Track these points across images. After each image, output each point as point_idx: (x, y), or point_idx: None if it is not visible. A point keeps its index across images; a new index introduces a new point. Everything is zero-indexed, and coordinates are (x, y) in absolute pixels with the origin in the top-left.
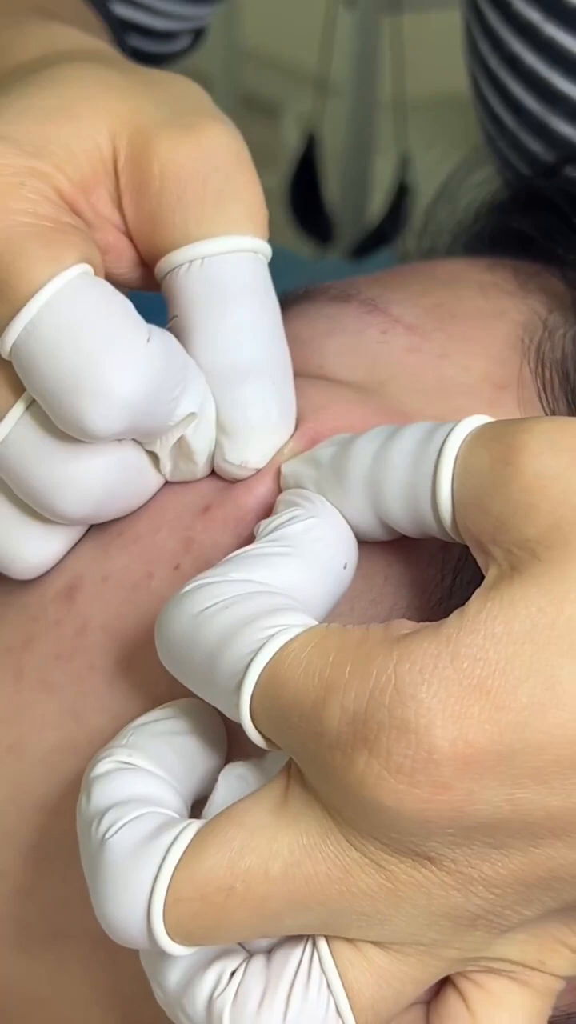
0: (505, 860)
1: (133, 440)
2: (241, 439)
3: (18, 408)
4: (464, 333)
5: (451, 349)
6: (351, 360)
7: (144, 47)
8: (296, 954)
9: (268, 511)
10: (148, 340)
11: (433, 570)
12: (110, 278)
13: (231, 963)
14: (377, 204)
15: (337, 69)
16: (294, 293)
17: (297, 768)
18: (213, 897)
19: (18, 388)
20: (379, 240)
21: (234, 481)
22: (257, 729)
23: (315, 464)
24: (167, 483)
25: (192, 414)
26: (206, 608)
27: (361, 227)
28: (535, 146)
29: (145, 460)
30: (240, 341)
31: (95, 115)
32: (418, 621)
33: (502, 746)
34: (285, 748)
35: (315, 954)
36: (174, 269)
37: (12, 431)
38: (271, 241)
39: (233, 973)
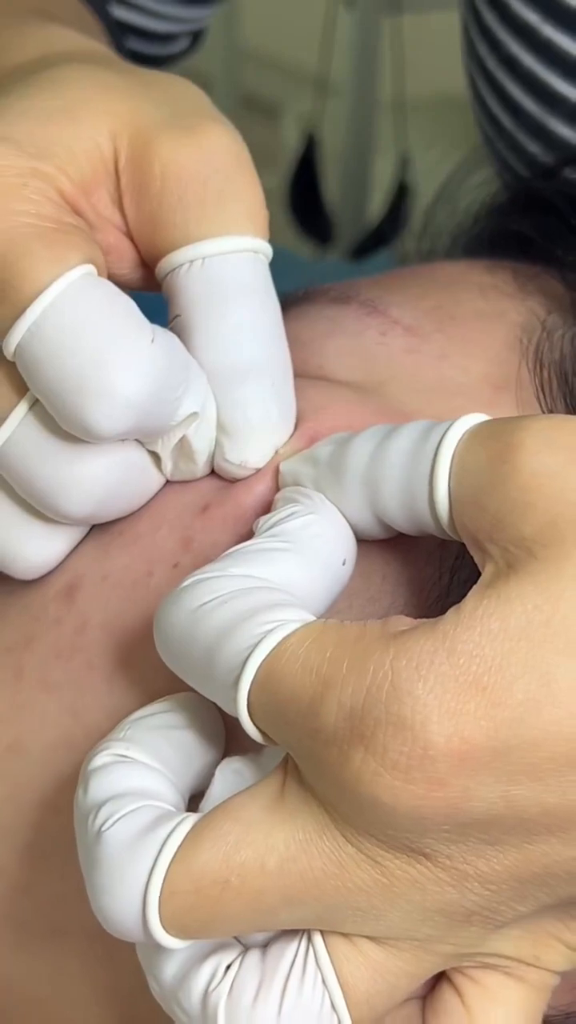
0: (500, 856)
1: (135, 440)
2: (241, 439)
3: (21, 408)
4: (463, 334)
5: (450, 350)
6: (350, 361)
7: (142, 49)
8: (291, 948)
9: (267, 509)
10: (152, 340)
11: (431, 568)
12: (111, 279)
13: (227, 957)
14: (377, 204)
15: (337, 69)
16: (294, 295)
17: (294, 763)
18: (208, 890)
19: (21, 388)
20: (379, 241)
21: (234, 481)
22: (254, 724)
23: (313, 462)
24: (167, 482)
25: (194, 414)
26: (204, 603)
27: (361, 227)
28: (533, 147)
29: (147, 460)
30: (240, 341)
31: (96, 116)
32: (416, 619)
33: (497, 742)
34: (282, 743)
35: (310, 948)
36: (175, 269)
37: (15, 431)
38: (271, 242)
39: (229, 967)
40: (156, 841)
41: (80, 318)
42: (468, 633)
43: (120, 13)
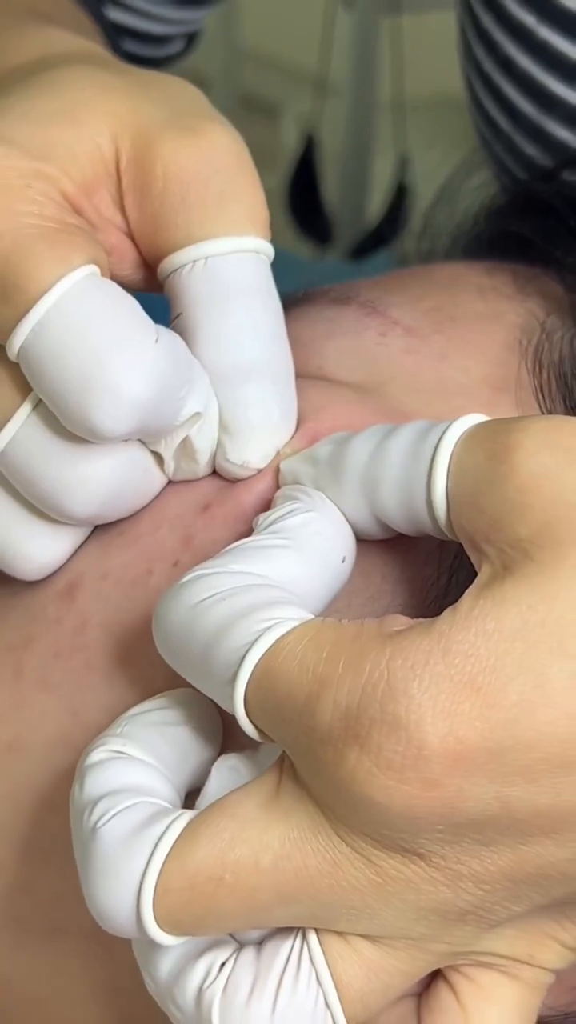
0: (494, 857)
1: (138, 440)
2: (242, 439)
3: (24, 409)
4: (463, 336)
5: (450, 351)
6: (350, 361)
7: (138, 51)
8: (286, 946)
9: (267, 508)
10: (156, 340)
11: (430, 568)
12: (113, 280)
13: (221, 954)
14: (376, 205)
15: (336, 70)
16: (293, 296)
17: (290, 761)
18: (203, 887)
19: (24, 389)
20: (378, 241)
21: (235, 481)
22: (251, 721)
23: (312, 462)
24: (169, 482)
25: (197, 414)
26: (204, 599)
27: (360, 228)
28: (531, 150)
29: (150, 460)
30: (242, 341)
31: (97, 117)
32: (413, 618)
33: (492, 743)
34: (278, 741)
35: (305, 946)
36: (177, 270)
37: (19, 432)
38: (270, 242)
39: (223, 964)
40: (151, 838)
41: (84, 318)
42: (463, 633)
43: (115, 15)
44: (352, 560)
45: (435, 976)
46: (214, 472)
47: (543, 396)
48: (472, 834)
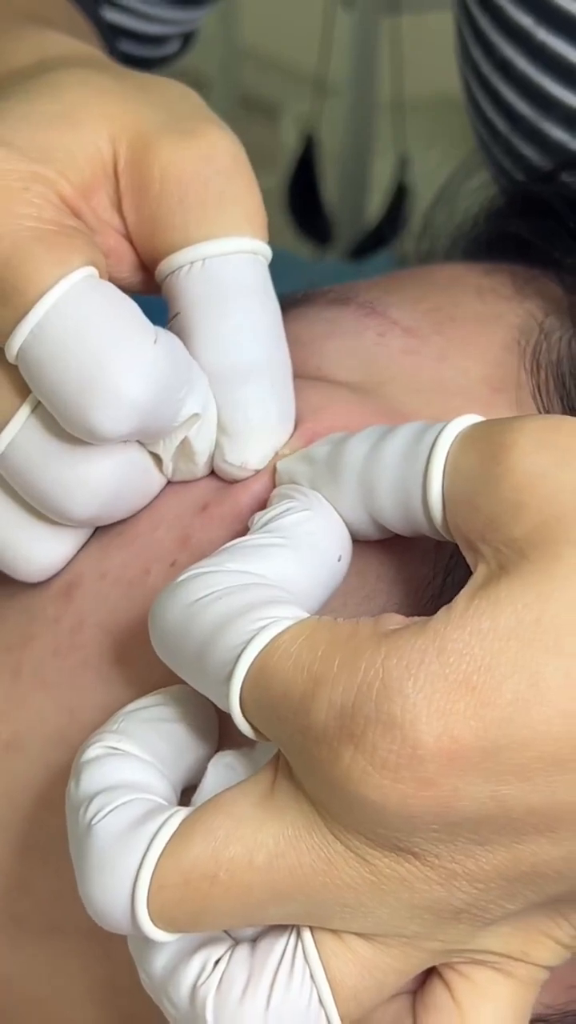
0: (488, 856)
1: (137, 441)
2: (241, 440)
3: (23, 411)
4: (461, 336)
5: (448, 352)
6: (349, 361)
7: (134, 52)
8: (280, 944)
9: (263, 508)
10: (155, 341)
11: (426, 568)
12: (111, 282)
13: (216, 951)
14: (376, 205)
15: (336, 70)
16: (292, 296)
17: (285, 759)
18: (197, 884)
19: (23, 391)
20: (378, 241)
21: (233, 481)
22: (246, 720)
23: (309, 462)
24: (168, 483)
25: (196, 415)
26: (200, 598)
27: (360, 228)
28: (528, 151)
29: (149, 461)
30: (240, 342)
31: (95, 120)
32: (408, 617)
33: (487, 742)
34: (273, 739)
35: (299, 944)
36: (175, 271)
37: (18, 435)
38: (270, 243)
39: (218, 961)
40: (146, 834)
41: (83, 320)
42: (458, 632)
43: (111, 16)
44: (348, 559)
45: (430, 973)
46: (212, 473)
47: (540, 397)
48: (467, 833)
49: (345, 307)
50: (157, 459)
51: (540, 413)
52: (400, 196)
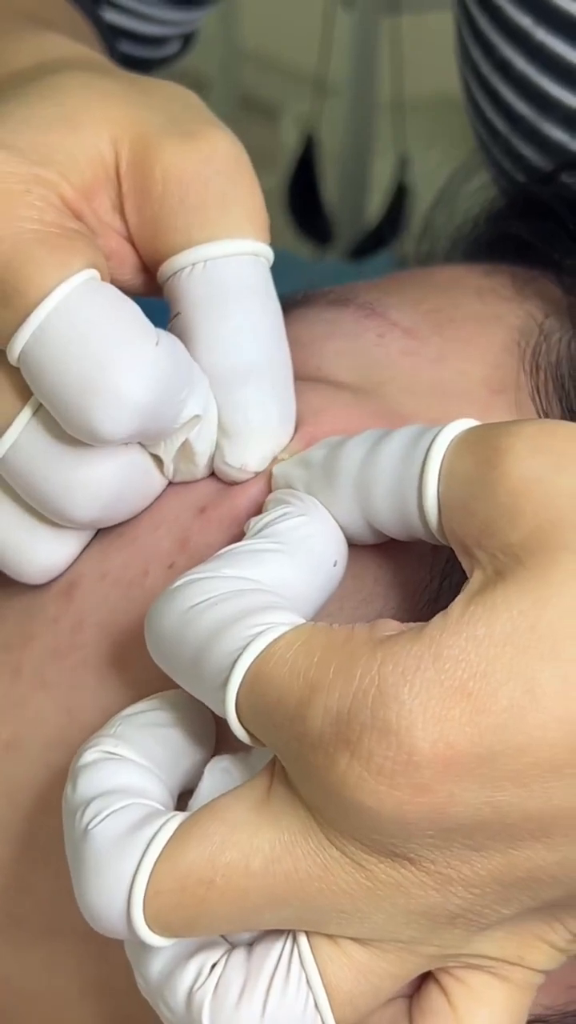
0: (484, 861)
1: (138, 443)
2: (241, 441)
3: (25, 414)
4: (461, 337)
5: (448, 353)
6: (349, 362)
7: (134, 53)
8: (276, 948)
9: (261, 511)
10: (156, 343)
11: (422, 572)
12: (113, 284)
13: (212, 956)
14: (376, 205)
15: (336, 70)
16: (292, 297)
17: (281, 765)
18: (193, 890)
19: (24, 394)
20: (378, 241)
21: (232, 483)
22: (242, 726)
23: (305, 465)
24: (169, 484)
25: (197, 416)
26: (196, 604)
27: (360, 228)
28: (528, 152)
29: (150, 463)
30: (241, 343)
31: (96, 123)
32: (405, 622)
33: (482, 748)
34: (269, 745)
35: (295, 949)
36: (176, 272)
37: (20, 437)
38: (270, 243)
39: (214, 966)
40: (143, 839)
41: (84, 322)
42: (454, 639)
43: (111, 17)
44: (344, 564)
45: (425, 978)
46: (213, 474)
47: (539, 398)
48: (462, 839)
49: (345, 308)
50: (158, 460)
51: (539, 415)
52: (400, 196)
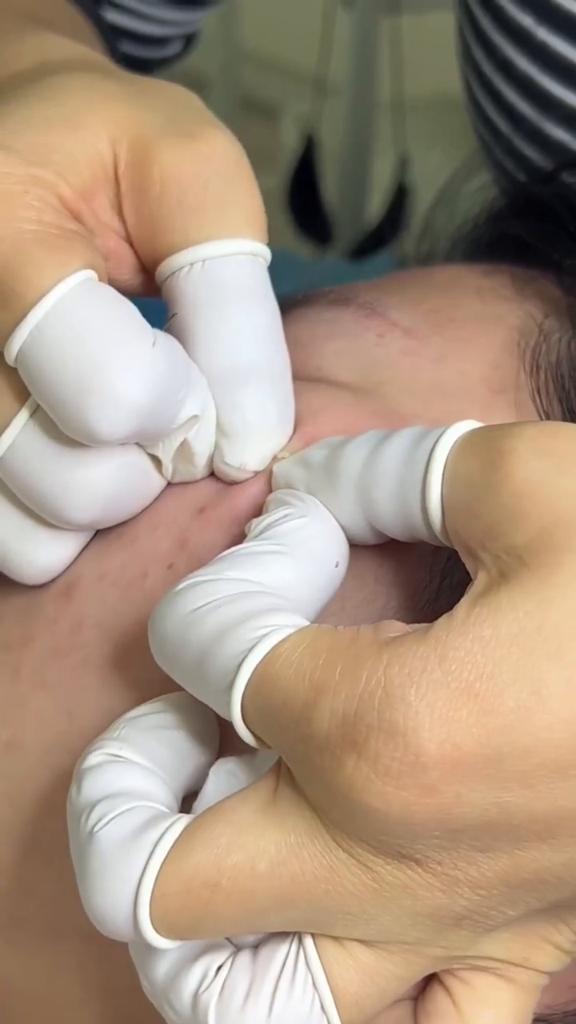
0: (490, 862)
1: (136, 444)
2: (240, 441)
3: (23, 415)
4: (461, 337)
5: (448, 353)
6: (349, 362)
7: (135, 53)
8: (282, 951)
9: (260, 511)
10: (154, 344)
11: (423, 571)
12: (111, 285)
13: (218, 958)
14: (376, 205)
15: (336, 70)
16: (292, 297)
17: (286, 767)
18: (199, 892)
19: (22, 395)
20: (378, 241)
21: (232, 483)
22: (248, 728)
23: (306, 466)
24: (168, 484)
25: (195, 416)
26: (199, 607)
27: (360, 228)
28: (529, 151)
29: (148, 463)
30: (240, 344)
31: (96, 123)
32: (408, 622)
33: (489, 749)
34: (275, 747)
35: (301, 951)
36: (174, 272)
37: (17, 438)
38: (270, 243)
39: (220, 968)
40: (148, 842)
41: (82, 322)
42: (460, 640)
43: (113, 17)
44: (345, 565)
45: (430, 980)
46: (212, 474)
47: (540, 398)
48: (469, 840)
49: (345, 308)
50: (156, 461)
51: (540, 415)
52: (400, 196)
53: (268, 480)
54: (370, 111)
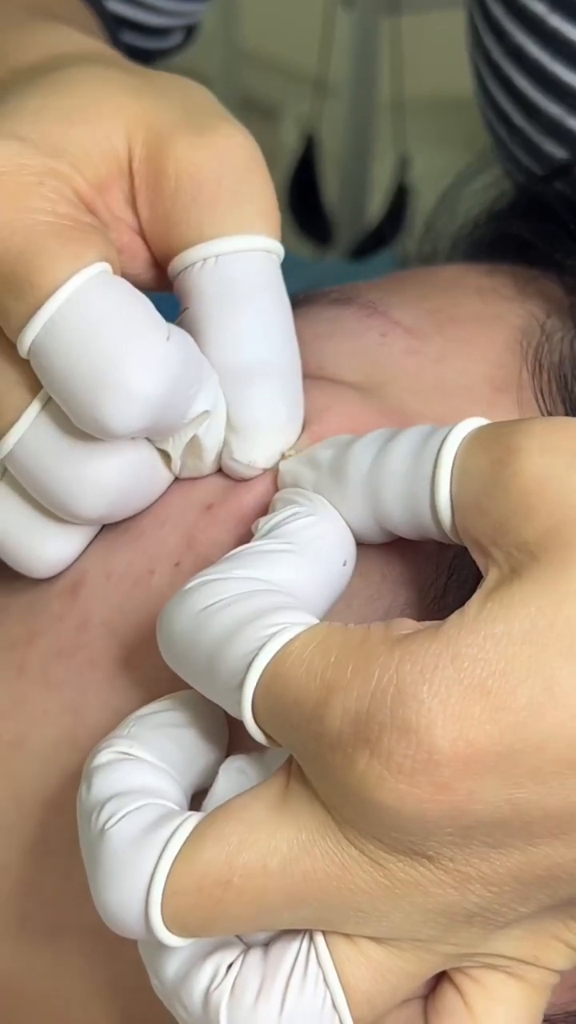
0: (503, 859)
1: (145, 438)
2: (249, 438)
3: (34, 408)
4: (463, 337)
5: (449, 352)
6: (351, 362)
7: (137, 43)
8: (293, 948)
9: (267, 509)
10: (168, 338)
11: (429, 568)
12: (125, 278)
13: (228, 955)
14: (376, 205)
15: (336, 70)
16: (293, 297)
17: (297, 764)
18: (211, 890)
19: (34, 387)
20: (378, 241)
21: (240, 479)
22: (258, 727)
23: (314, 465)
24: (175, 479)
25: (206, 412)
26: (208, 606)
27: (360, 228)
28: (544, 142)
29: (157, 458)
30: (251, 340)
31: (111, 116)
32: (416, 619)
33: (502, 746)
34: (286, 746)
35: (312, 948)
36: (187, 267)
37: (28, 431)
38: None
39: (230, 966)
40: (159, 840)
41: (96, 315)
42: (472, 637)
43: (115, 6)
44: (352, 564)
45: (441, 978)
46: (220, 471)
47: (543, 398)
48: (482, 836)
49: (347, 307)
50: (165, 456)
51: (543, 415)
52: (401, 196)
53: (275, 478)
54: (370, 111)
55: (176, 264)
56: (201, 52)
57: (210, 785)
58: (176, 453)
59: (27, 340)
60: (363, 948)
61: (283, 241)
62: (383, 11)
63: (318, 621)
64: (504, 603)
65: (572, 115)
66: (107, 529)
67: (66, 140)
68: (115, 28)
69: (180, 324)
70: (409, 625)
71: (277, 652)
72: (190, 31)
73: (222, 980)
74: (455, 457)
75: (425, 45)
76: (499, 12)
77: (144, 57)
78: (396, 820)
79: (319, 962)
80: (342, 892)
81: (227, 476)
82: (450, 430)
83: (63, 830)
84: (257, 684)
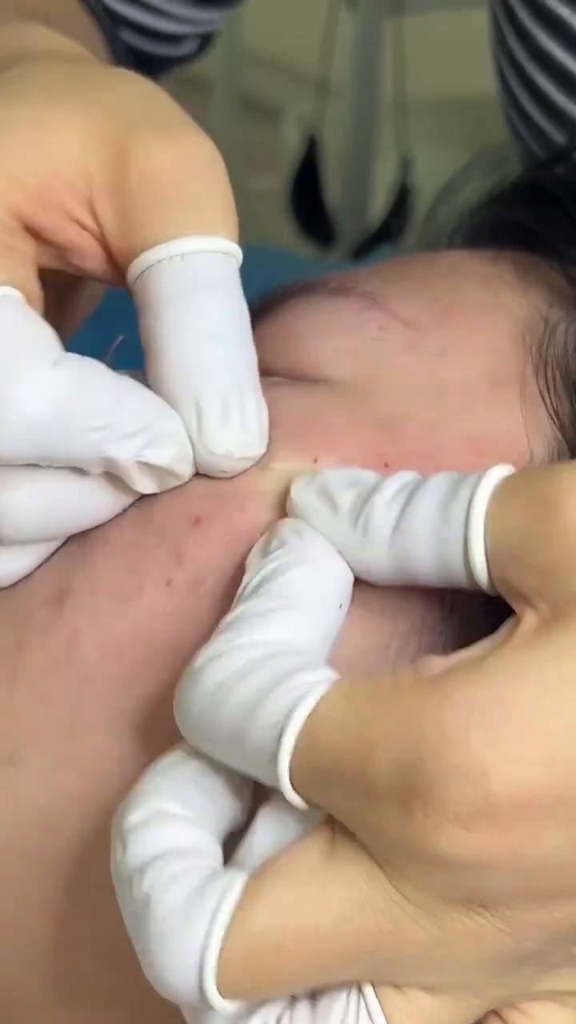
0: (560, 903)
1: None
2: (219, 430)
3: None
4: (464, 327)
5: (450, 346)
6: (348, 359)
7: (150, 49)
8: (341, 1000)
9: (259, 527)
10: (55, 364)
11: (429, 590)
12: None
13: (275, 1009)
14: (378, 206)
15: (338, 71)
16: (291, 287)
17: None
18: (264, 956)
19: None
20: (380, 242)
21: (223, 476)
22: (296, 793)
23: (331, 505)
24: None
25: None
26: (223, 681)
27: (362, 229)
28: (563, 139)
29: (89, 483)
30: (211, 335)
31: (69, 120)
32: (426, 641)
33: (559, 789)
34: (328, 807)
35: (361, 1000)
36: (148, 268)
37: None
38: (271, 242)
39: (279, 1021)
40: (208, 907)
41: None
42: (519, 680)
43: (128, 11)
44: (348, 605)
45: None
46: (199, 475)
47: (548, 393)
48: (541, 882)
49: (346, 298)
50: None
51: (549, 412)
52: (403, 197)
53: (264, 495)
54: (372, 111)
55: (138, 264)
56: None
57: (239, 828)
58: (126, 477)
59: None
60: (412, 997)
61: (285, 241)
62: (386, 11)
63: (337, 676)
64: (551, 646)
65: None
66: (84, 539)
67: (8, 151)
68: (113, 30)
69: (140, 324)
70: (437, 664)
71: (306, 718)
72: (205, 40)
73: None
74: (486, 512)
75: (428, 46)
76: (524, 14)
77: (157, 64)
78: (455, 868)
79: (369, 1014)
80: (395, 947)
81: (212, 483)
82: (477, 484)
83: (62, 852)
84: (291, 753)
